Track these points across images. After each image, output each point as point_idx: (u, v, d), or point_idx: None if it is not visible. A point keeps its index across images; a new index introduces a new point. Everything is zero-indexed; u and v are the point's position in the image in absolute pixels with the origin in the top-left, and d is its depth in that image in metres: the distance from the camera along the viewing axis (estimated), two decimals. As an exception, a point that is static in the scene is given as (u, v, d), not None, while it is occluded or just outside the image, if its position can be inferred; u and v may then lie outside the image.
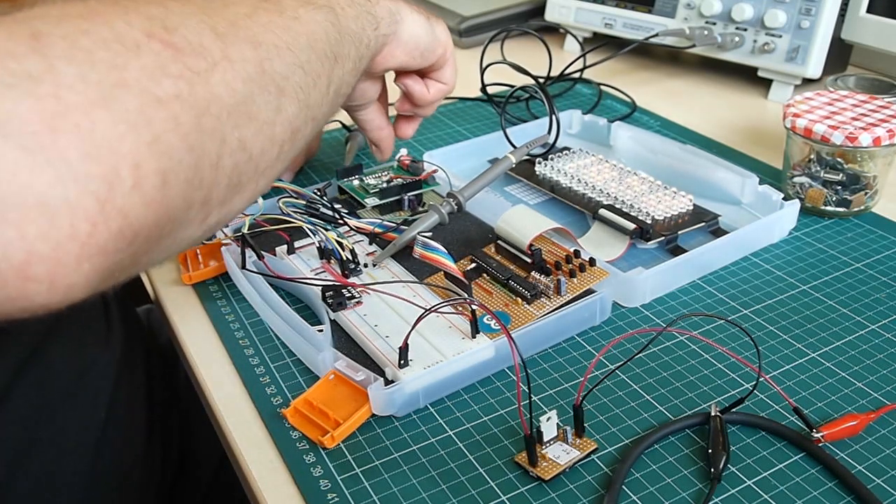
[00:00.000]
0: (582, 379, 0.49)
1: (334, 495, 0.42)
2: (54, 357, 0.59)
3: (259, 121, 0.39)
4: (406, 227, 0.59)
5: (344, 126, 0.81)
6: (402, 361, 0.47)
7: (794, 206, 0.62)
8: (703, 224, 0.61)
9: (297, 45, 0.42)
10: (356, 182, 0.66)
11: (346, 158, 0.71)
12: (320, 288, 0.54)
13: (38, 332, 0.59)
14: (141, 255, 0.34)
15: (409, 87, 0.64)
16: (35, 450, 0.57)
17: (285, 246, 0.60)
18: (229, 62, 0.36)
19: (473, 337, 0.50)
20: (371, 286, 0.55)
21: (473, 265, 0.57)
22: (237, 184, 0.38)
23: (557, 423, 0.44)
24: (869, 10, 0.83)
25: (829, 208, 0.64)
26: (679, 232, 0.60)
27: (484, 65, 0.82)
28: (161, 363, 0.75)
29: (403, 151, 0.69)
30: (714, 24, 0.88)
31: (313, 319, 0.54)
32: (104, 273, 0.32)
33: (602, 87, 0.89)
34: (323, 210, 0.62)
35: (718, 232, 0.62)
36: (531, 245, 0.55)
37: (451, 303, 0.50)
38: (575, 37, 0.98)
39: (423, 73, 0.64)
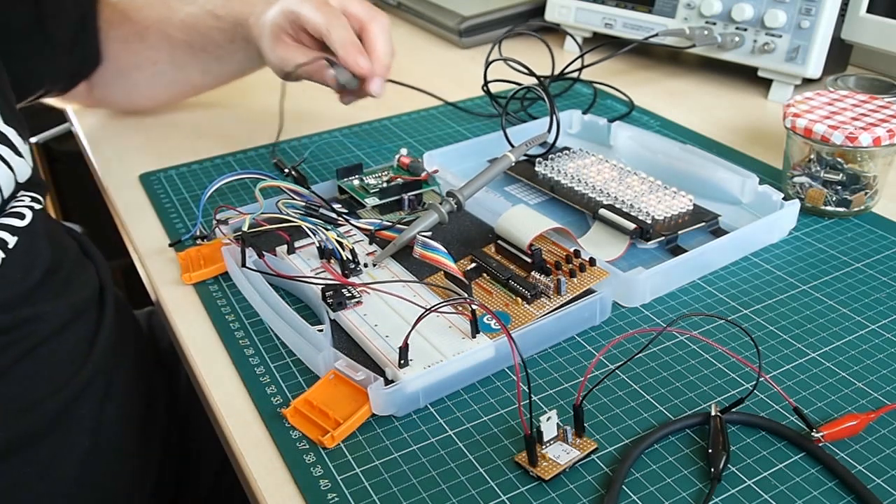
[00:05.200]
0: (582, 379, 0.49)
1: (334, 495, 0.42)
2: (43, 364, 0.59)
3: None
4: (406, 227, 0.59)
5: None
6: (402, 361, 0.47)
7: (794, 206, 0.62)
8: (703, 224, 0.61)
9: None
10: (356, 182, 0.66)
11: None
12: (320, 287, 0.54)
13: (37, 335, 0.58)
14: None
15: None
16: (20, 461, 0.56)
17: (285, 246, 0.60)
18: None
19: (473, 337, 0.50)
20: (371, 286, 0.55)
21: (473, 265, 0.57)
22: None
23: (557, 423, 0.44)
24: (869, 10, 0.83)
25: (829, 208, 0.64)
26: (679, 232, 0.60)
27: (485, 66, 0.82)
28: (160, 368, 0.74)
29: (403, 151, 0.69)
30: (714, 24, 0.88)
31: (313, 319, 0.54)
32: None
33: (600, 87, 0.89)
34: (322, 210, 0.62)
35: (718, 232, 0.62)
36: (531, 245, 0.55)
37: (451, 303, 0.50)
38: (573, 38, 0.98)
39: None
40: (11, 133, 0.61)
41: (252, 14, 0.73)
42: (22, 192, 0.61)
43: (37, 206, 0.62)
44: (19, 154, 0.61)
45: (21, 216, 0.59)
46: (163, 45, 0.78)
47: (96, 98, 0.85)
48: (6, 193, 0.59)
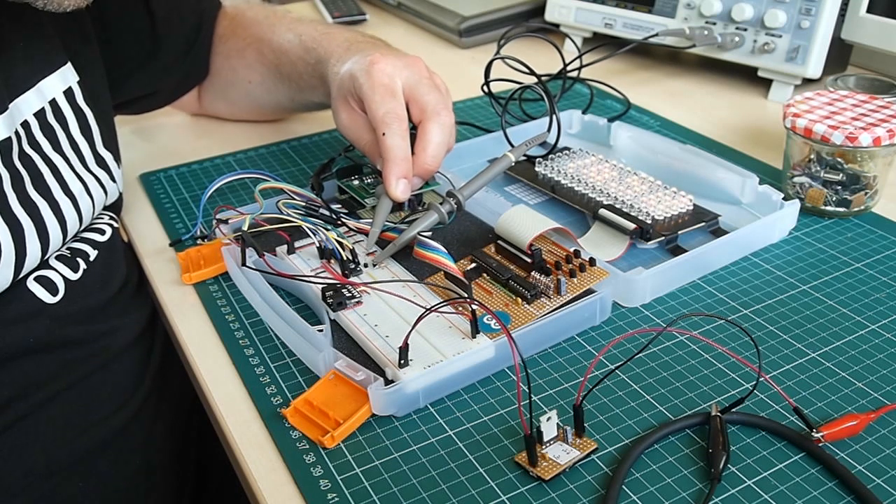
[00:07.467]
0: (582, 379, 0.49)
1: (334, 495, 0.42)
2: (113, 378, 0.59)
3: None
4: (406, 227, 0.59)
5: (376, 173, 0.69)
6: (402, 361, 0.47)
7: (794, 206, 0.62)
8: (703, 224, 0.61)
9: None
10: (356, 182, 0.66)
11: (374, 222, 0.60)
12: (320, 287, 0.54)
13: (111, 350, 0.59)
14: None
15: None
16: (78, 477, 0.56)
17: (285, 246, 0.60)
18: None
19: (473, 337, 0.50)
20: (371, 286, 0.55)
21: (473, 265, 0.57)
22: None
23: (557, 423, 0.44)
24: (869, 10, 0.83)
25: (829, 208, 0.64)
26: (679, 232, 0.60)
27: (487, 65, 0.82)
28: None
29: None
30: (714, 24, 0.88)
31: (313, 319, 0.54)
32: None
33: (600, 87, 0.89)
34: (322, 211, 0.62)
35: (718, 232, 0.62)
36: (531, 245, 0.55)
37: (450, 302, 0.50)
38: (571, 39, 0.98)
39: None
40: (109, 158, 0.63)
41: (333, 55, 0.68)
42: (103, 211, 0.64)
43: (115, 224, 0.64)
44: (114, 180, 0.63)
45: (102, 231, 0.62)
46: (256, 65, 0.77)
47: (204, 108, 0.86)
48: (95, 213, 0.61)
